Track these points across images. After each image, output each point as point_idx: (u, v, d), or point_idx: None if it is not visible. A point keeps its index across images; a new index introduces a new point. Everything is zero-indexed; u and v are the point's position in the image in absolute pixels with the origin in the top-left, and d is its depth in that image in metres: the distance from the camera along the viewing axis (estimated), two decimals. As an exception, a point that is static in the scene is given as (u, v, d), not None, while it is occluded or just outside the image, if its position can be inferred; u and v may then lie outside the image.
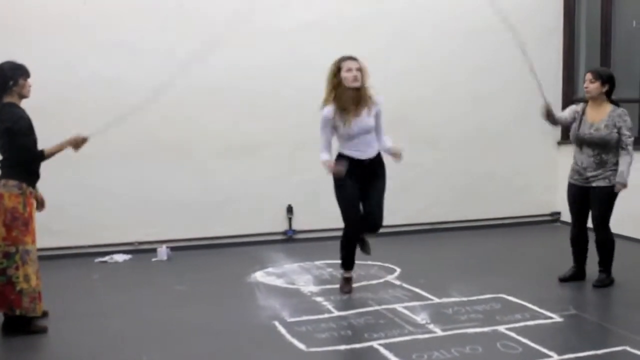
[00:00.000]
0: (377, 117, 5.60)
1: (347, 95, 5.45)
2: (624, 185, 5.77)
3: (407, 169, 7.79)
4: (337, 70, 5.48)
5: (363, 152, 5.58)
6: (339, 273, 6.43)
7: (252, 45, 7.55)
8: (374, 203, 5.69)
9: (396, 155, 5.70)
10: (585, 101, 6.03)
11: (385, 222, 6.77)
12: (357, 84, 5.43)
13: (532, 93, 8.46)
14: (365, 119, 5.52)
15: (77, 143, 5.31)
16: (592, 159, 5.83)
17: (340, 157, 5.61)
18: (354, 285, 6.07)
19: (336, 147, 5.71)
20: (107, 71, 7.19)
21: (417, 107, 8.07)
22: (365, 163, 5.59)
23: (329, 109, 5.50)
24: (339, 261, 5.92)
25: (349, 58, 5.48)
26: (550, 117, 6.01)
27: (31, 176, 5.13)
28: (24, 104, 5.16)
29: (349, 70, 5.41)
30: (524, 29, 8.33)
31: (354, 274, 5.96)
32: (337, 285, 6.09)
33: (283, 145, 7.73)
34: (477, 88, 8.30)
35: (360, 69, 5.45)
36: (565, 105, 8.40)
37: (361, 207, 5.72)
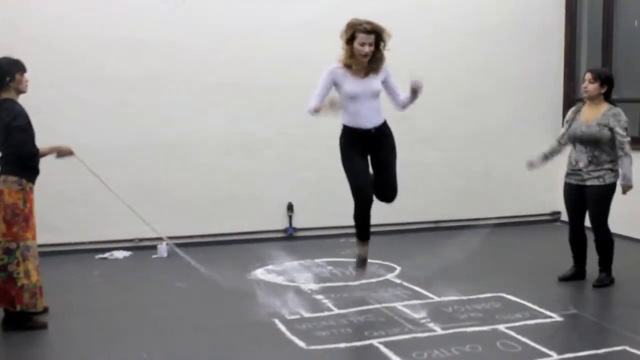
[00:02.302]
0: (386, 81, 5.42)
1: (357, 60, 5.29)
2: (630, 187, 5.78)
3: (407, 168, 7.76)
4: (351, 36, 5.28)
5: (368, 119, 5.35)
6: (340, 271, 6.44)
7: (252, 42, 7.56)
8: (388, 177, 5.50)
9: (417, 87, 5.39)
10: (583, 101, 6.05)
11: (385, 220, 6.81)
12: (365, 60, 5.27)
13: (531, 92, 8.56)
14: (371, 81, 5.34)
15: (63, 152, 5.36)
16: (586, 155, 5.84)
17: (346, 130, 5.42)
18: (354, 283, 6.09)
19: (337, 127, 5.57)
20: (107, 68, 7.18)
21: (417, 106, 7.91)
22: (372, 132, 5.38)
23: (335, 67, 5.32)
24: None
25: (364, 30, 5.24)
26: (544, 161, 6.14)
27: (31, 172, 5.12)
28: (22, 99, 5.16)
29: (362, 44, 5.24)
30: (525, 29, 8.40)
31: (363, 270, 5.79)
32: (338, 283, 6.10)
33: (283, 143, 7.73)
34: (477, 87, 8.31)
35: (372, 44, 5.24)
36: (566, 105, 8.43)
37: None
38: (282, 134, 7.70)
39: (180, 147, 7.48)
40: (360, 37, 5.25)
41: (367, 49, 5.25)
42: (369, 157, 5.50)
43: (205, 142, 7.54)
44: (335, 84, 5.34)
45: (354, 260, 5.83)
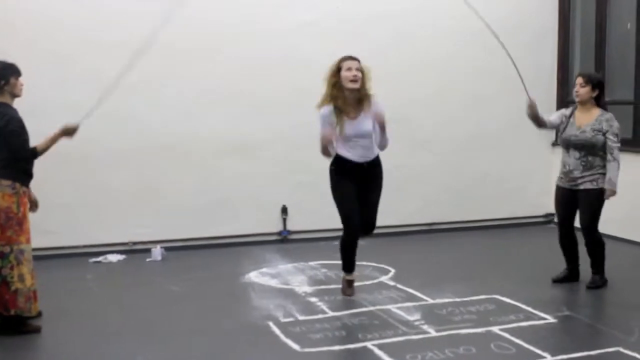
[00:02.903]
0: (378, 115, 5.36)
1: (344, 95, 5.34)
2: (614, 192, 5.80)
3: (402, 170, 7.82)
4: (337, 69, 5.34)
5: (360, 155, 5.46)
6: (334, 274, 6.45)
7: (250, 45, 7.56)
8: (371, 208, 5.62)
9: (380, 120, 5.35)
10: (575, 105, 6.07)
11: (379, 222, 6.77)
12: (355, 85, 5.29)
13: (525, 95, 8.55)
14: (362, 122, 5.38)
15: (69, 131, 5.30)
16: (579, 161, 5.86)
17: (339, 159, 5.50)
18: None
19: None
20: (103, 71, 7.16)
21: (413, 108, 8.08)
22: (365, 166, 5.50)
23: (327, 108, 5.36)
24: (340, 263, 5.79)
25: (349, 58, 5.35)
26: (535, 116, 5.99)
27: (24, 176, 5.11)
28: (18, 102, 5.15)
29: (349, 69, 5.28)
30: (519, 31, 8.41)
31: (356, 274, 5.87)
32: (332, 286, 6.09)
33: (278, 146, 7.74)
34: (473, 90, 8.32)
35: (360, 69, 5.31)
36: (559, 107, 8.43)
37: None
38: (276, 136, 7.71)
39: (176, 150, 7.47)
40: (346, 63, 5.33)
41: (354, 72, 5.29)
42: (356, 187, 5.56)
43: (201, 145, 7.53)
44: (331, 125, 5.37)
45: (342, 283, 5.88)
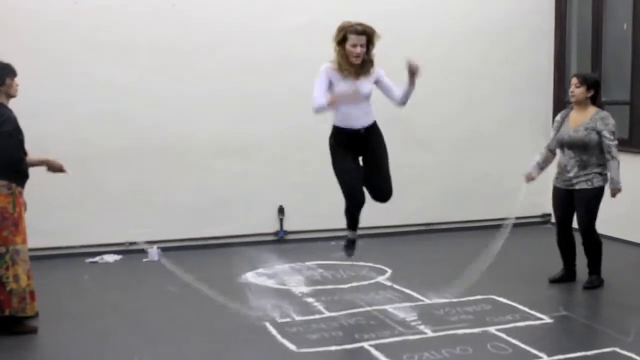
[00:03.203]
0: (379, 81, 5.41)
1: (348, 63, 5.31)
2: (619, 190, 5.81)
3: (399, 170, 7.74)
4: (342, 38, 5.30)
5: (357, 120, 5.37)
6: (330, 274, 6.45)
7: (245, 45, 7.56)
8: (381, 177, 5.50)
9: (414, 68, 5.33)
10: (571, 106, 6.08)
11: (377, 223, 6.80)
12: (357, 61, 5.29)
13: (523, 96, 8.59)
14: (363, 84, 5.35)
15: (54, 168, 5.33)
16: (573, 160, 5.87)
17: (336, 131, 5.43)
18: (344, 286, 6.10)
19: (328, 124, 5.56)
20: (98, 72, 7.17)
21: (410, 109, 7.97)
22: (361, 132, 5.40)
23: (331, 65, 5.34)
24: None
25: (355, 31, 5.27)
26: (539, 172, 6.14)
27: (20, 176, 5.10)
28: (13, 103, 5.14)
29: (354, 46, 5.26)
30: (516, 33, 8.43)
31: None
32: (328, 286, 6.10)
33: (275, 147, 7.73)
34: (469, 91, 8.33)
35: (363, 45, 5.27)
36: (556, 107, 8.46)
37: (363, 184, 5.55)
38: (273, 137, 7.70)
39: (172, 151, 7.46)
40: (352, 38, 5.27)
41: (359, 49, 5.27)
42: (362, 159, 5.51)
43: (197, 146, 7.53)
44: (330, 82, 5.34)
45: (344, 243, 5.78)
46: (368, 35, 5.30)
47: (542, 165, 6.18)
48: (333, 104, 5.25)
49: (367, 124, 5.42)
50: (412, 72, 5.34)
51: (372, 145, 5.46)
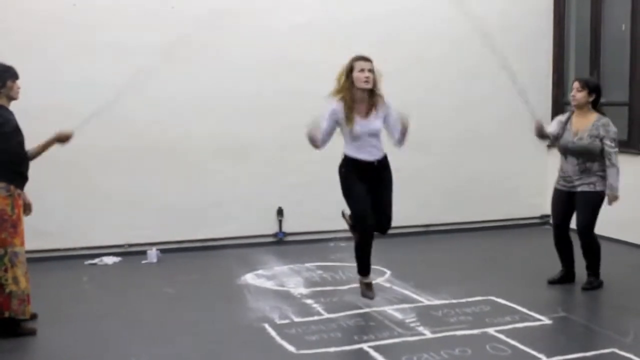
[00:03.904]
0: (387, 118, 5.46)
1: (356, 96, 5.36)
2: (616, 198, 5.82)
3: (398, 172, 7.75)
4: (349, 69, 5.36)
5: (369, 154, 5.44)
6: (329, 276, 6.46)
7: (241, 47, 7.55)
8: (385, 207, 5.56)
9: (404, 125, 5.43)
10: (572, 110, 6.09)
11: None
12: (368, 86, 5.33)
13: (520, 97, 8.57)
14: (373, 121, 5.41)
15: (63, 138, 5.29)
16: (577, 167, 5.88)
17: (348, 160, 5.47)
18: (343, 287, 6.10)
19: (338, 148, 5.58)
20: (95, 74, 7.17)
21: (408, 110, 7.99)
22: (375, 165, 5.46)
23: (339, 105, 5.37)
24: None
25: (362, 58, 5.36)
26: (542, 133, 6.02)
27: (19, 178, 5.10)
28: (12, 104, 5.14)
29: (362, 70, 5.31)
30: (514, 33, 8.43)
31: (372, 277, 5.74)
32: (327, 288, 6.10)
33: (273, 148, 7.73)
34: (467, 92, 8.33)
35: (372, 70, 5.35)
36: (554, 109, 8.47)
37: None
38: (272, 138, 7.70)
39: (171, 152, 7.46)
40: (359, 64, 5.34)
41: (367, 73, 5.32)
42: (368, 188, 5.52)
43: (196, 147, 7.53)
44: (338, 123, 5.39)
45: (361, 288, 5.69)
46: (372, 63, 5.37)
47: (546, 133, 6.02)
48: (316, 146, 5.35)
49: (379, 157, 5.49)
50: (403, 130, 5.43)
51: (380, 178, 5.52)
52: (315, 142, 5.35)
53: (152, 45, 7.28)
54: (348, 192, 5.50)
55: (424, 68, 8.12)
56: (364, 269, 5.61)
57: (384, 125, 5.49)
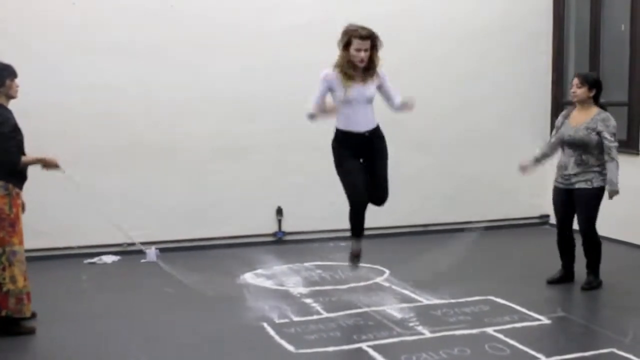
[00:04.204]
0: (382, 86, 5.44)
1: (352, 67, 5.31)
2: (616, 192, 5.81)
3: (396, 172, 7.74)
4: (347, 42, 5.29)
5: (361, 123, 5.37)
6: (329, 275, 6.45)
7: (240, 47, 7.55)
8: (380, 180, 5.51)
9: (408, 106, 5.46)
10: (574, 105, 6.10)
11: (375, 224, 6.75)
12: (362, 65, 5.30)
13: (520, 97, 8.59)
14: (368, 87, 5.36)
15: (48, 165, 5.26)
16: (573, 159, 5.88)
17: (339, 133, 5.43)
18: (343, 287, 6.10)
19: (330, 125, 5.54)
20: (95, 74, 7.17)
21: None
22: (365, 135, 5.40)
23: (330, 71, 5.34)
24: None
25: (360, 37, 5.25)
26: (532, 165, 6.15)
27: (18, 177, 5.09)
28: (10, 104, 5.14)
29: (358, 50, 5.25)
30: (514, 33, 8.43)
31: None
32: (327, 287, 6.10)
33: (272, 147, 7.73)
34: (466, 92, 8.32)
35: (369, 49, 5.27)
36: (554, 108, 8.47)
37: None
38: (271, 138, 7.70)
39: (169, 153, 7.46)
40: (356, 43, 5.27)
41: (363, 54, 5.27)
42: (362, 161, 5.51)
43: (194, 147, 7.53)
44: (331, 89, 5.36)
45: (349, 254, 5.73)
46: (372, 39, 5.30)
47: (539, 159, 6.15)
48: (314, 116, 5.29)
49: (370, 127, 5.43)
50: (406, 105, 5.45)
51: (374, 148, 5.48)
52: (313, 114, 5.29)
53: (152, 44, 7.30)
54: (339, 169, 5.46)
55: (423, 68, 8.11)
56: (357, 232, 5.58)
57: (380, 92, 5.47)
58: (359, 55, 5.26)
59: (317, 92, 5.33)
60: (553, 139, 6.14)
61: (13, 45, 6.72)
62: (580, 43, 8.35)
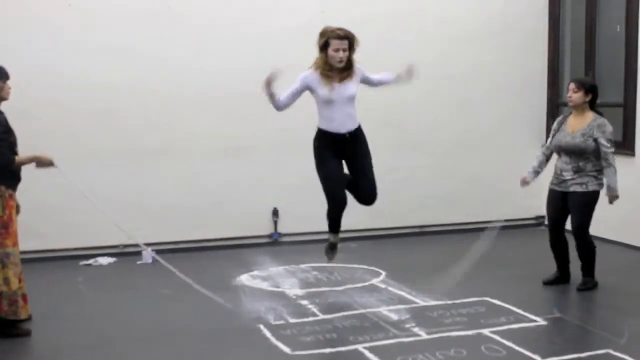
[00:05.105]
0: (365, 78, 5.52)
1: (330, 67, 5.36)
2: (616, 197, 5.83)
3: (392, 173, 7.82)
4: (324, 43, 5.34)
5: (342, 124, 5.40)
6: (325, 277, 6.45)
7: (236, 49, 7.55)
8: (366, 180, 5.54)
9: (411, 73, 5.56)
10: (569, 109, 6.11)
11: (370, 225, 6.78)
12: (341, 65, 5.34)
13: (516, 98, 8.60)
14: (347, 86, 5.39)
15: (43, 163, 5.21)
16: (570, 165, 5.89)
17: (321, 134, 5.46)
18: (338, 288, 6.10)
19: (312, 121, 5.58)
20: (92, 74, 7.16)
21: (403, 111, 8.09)
22: (346, 137, 5.43)
23: (312, 74, 5.39)
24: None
25: (338, 37, 5.30)
26: (531, 179, 6.20)
27: (11, 179, 5.07)
28: (6, 104, 5.12)
29: (337, 50, 5.30)
30: (509, 34, 8.44)
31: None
32: (323, 289, 6.10)
33: (268, 148, 7.72)
34: (462, 93, 8.33)
35: (347, 49, 5.32)
36: (549, 111, 8.48)
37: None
38: (267, 139, 7.69)
39: (165, 153, 7.45)
40: (334, 43, 5.32)
41: (342, 54, 5.32)
42: (345, 162, 5.56)
43: (190, 148, 7.52)
44: (310, 89, 5.41)
45: (326, 246, 5.80)
46: (349, 39, 5.35)
47: (538, 169, 6.21)
48: (272, 96, 5.38)
49: (352, 128, 5.46)
50: (409, 73, 5.56)
51: (356, 149, 5.51)
52: (274, 99, 5.37)
53: (149, 45, 7.29)
54: (320, 168, 5.50)
55: (422, 68, 8.08)
56: (334, 227, 5.68)
57: (368, 83, 5.56)
58: (338, 55, 5.31)
59: (290, 89, 5.40)
60: (549, 145, 6.15)
61: (10, 45, 6.72)
62: (576, 44, 8.36)
